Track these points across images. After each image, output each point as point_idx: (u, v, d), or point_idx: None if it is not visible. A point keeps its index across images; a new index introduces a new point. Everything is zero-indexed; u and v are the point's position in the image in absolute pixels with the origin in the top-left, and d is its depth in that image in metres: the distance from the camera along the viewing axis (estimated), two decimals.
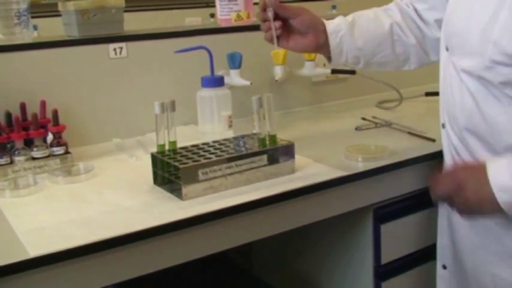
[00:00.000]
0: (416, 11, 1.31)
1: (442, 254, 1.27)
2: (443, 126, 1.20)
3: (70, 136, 1.37)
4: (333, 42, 1.25)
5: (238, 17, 1.64)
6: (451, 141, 1.17)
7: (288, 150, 1.21)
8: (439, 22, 1.27)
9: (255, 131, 1.24)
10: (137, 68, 1.55)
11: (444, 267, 1.26)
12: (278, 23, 1.21)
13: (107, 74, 1.52)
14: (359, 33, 1.26)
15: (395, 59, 1.31)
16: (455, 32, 1.11)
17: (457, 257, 1.22)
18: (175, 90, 1.57)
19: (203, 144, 1.24)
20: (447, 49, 1.15)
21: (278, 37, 1.22)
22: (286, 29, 1.23)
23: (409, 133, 1.47)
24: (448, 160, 1.20)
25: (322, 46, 1.26)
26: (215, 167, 1.12)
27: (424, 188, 1.33)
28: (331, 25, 1.25)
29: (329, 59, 1.30)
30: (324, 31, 1.25)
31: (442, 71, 1.18)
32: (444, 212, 1.25)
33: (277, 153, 1.20)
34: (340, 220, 1.27)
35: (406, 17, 1.31)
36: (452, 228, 1.22)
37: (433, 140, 1.39)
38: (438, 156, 1.30)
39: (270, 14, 1.20)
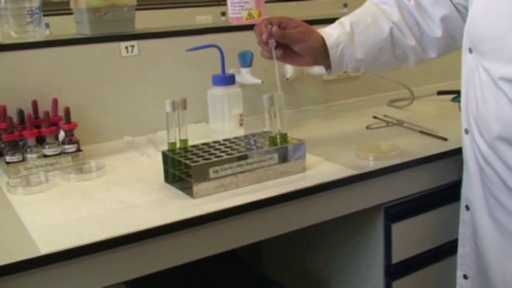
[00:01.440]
0: (419, 5, 1.28)
1: (464, 263, 1.23)
2: (467, 132, 1.15)
3: (81, 134, 1.38)
4: (333, 56, 1.23)
5: (250, 15, 1.64)
6: (479, 149, 1.12)
7: (298, 149, 1.21)
8: (444, 20, 1.26)
9: (265, 130, 1.24)
10: (148, 66, 1.55)
11: (465, 277, 1.23)
12: (280, 52, 1.20)
13: (119, 72, 1.52)
14: (359, 43, 1.24)
15: (394, 61, 1.30)
16: (486, 36, 1.06)
17: (481, 268, 1.18)
18: (187, 88, 1.57)
19: (214, 142, 1.24)
20: (470, 51, 1.12)
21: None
22: (284, 47, 1.21)
23: (421, 132, 1.46)
24: (472, 167, 1.16)
25: (320, 62, 1.26)
26: (226, 165, 1.12)
27: (435, 187, 1.33)
28: (330, 39, 1.23)
29: (327, 69, 1.29)
30: (324, 52, 1.23)
31: (465, 74, 1.14)
32: (467, 220, 1.20)
33: (288, 151, 1.19)
34: (351, 219, 1.27)
35: (406, 13, 1.28)
36: (476, 236, 1.18)
37: (445, 139, 1.38)
38: (450, 155, 1.30)
39: (272, 45, 1.18)
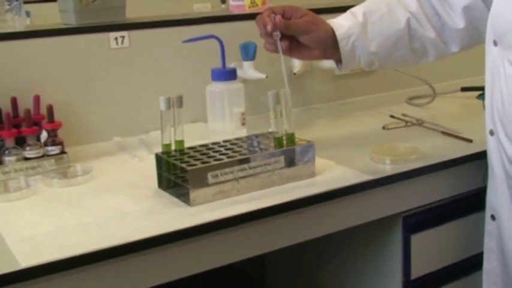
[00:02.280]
0: None
1: (490, 279, 1.22)
2: (492, 133, 1.15)
3: (66, 134, 1.38)
4: (344, 49, 1.23)
5: (253, 3, 1.65)
6: (505, 152, 1.12)
7: (307, 151, 1.21)
8: (466, 10, 1.26)
9: (271, 130, 1.24)
10: (140, 59, 1.56)
11: None
12: (285, 43, 1.20)
13: (107, 65, 1.52)
14: (372, 35, 1.24)
15: (412, 56, 1.30)
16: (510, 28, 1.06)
17: (509, 284, 1.18)
18: (183, 84, 1.58)
19: (213, 144, 1.24)
20: (495, 44, 1.12)
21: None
22: (290, 38, 1.22)
23: (443, 133, 1.46)
24: (498, 173, 1.16)
25: (330, 56, 1.26)
26: (226, 170, 1.12)
27: (458, 194, 1.33)
28: (340, 30, 1.23)
29: (338, 64, 1.29)
30: (333, 44, 1.23)
31: (490, 69, 1.14)
32: (493, 232, 1.20)
33: (296, 154, 1.20)
34: (365, 229, 1.27)
35: (424, 2, 1.28)
36: (504, 249, 1.18)
37: (470, 141, 1.38)
38: (475, 159, 1.30)
39: (277, 36, 1.19)
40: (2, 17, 1.44)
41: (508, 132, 1.10)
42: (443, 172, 1.29)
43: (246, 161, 1.15)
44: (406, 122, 1.57)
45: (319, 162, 1.24)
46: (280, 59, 1.20)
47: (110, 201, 1.14)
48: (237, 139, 1.27)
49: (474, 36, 1.29)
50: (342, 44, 1.23)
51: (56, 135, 1.33)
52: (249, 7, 1.65)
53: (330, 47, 1.23)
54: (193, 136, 1.33)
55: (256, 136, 1.28)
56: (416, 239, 1.30)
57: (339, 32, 1.23)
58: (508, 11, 1.07)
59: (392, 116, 1.62)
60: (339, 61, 1.27)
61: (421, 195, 1.29)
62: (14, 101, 1.38)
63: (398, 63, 1.33)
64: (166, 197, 1.15)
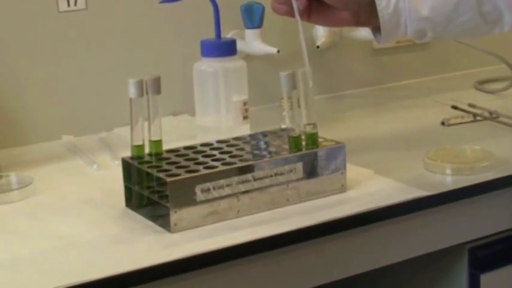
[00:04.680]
0: None
1: None
2: None
3: None
4: (383, 12, 1.24)
5: None
6: None
7: (335, 156, 1.21)
8: None
9: (284, 126, 1.24)
10: (101, 27, 1.57)
11: None
12: (303, 3, 1.23)
13: (55, 36, 1.53)
14: None
15: (480, 23, 1.30)
16: None
17: None
18: (161, 61, 1.59)
19: (203, 145, 1.24)
20: None
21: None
22: None
23: None
24: None
25: (364, 21, 1.28)
26: (222, 182, 1.12)
27: None
28: None
29: (376, 34, 1.30)
30: (370, 3, 1.24)
31: None
32: None
33: (319, 160, 1.19)
34: (417, 265, 1.28)
35: None
36: None
37: None
38: None
39: None
40: None
41: None
42: None
43: (249, 169, 1.14)
44: (475, 115, 1.57)
45: (352, 171, 1.24)
46: (298, 26, 1.21)
47: (57, 225, 1.14)
48: (236, 139, 1.27)
49: None
50: (380, 7, 1.24)
51: None
52: None
53: (365, 8, 1.25)
54: (176, 134, 1.33)
55: (264, 135, 1.29)
56: (487, 280, 1.30)
57: None
58: None
59: (454, 107, 1.62)
60: (377, 30, 1.28)
61: (494, 219, 1.30)
62: None
63: (460, 34, 1.34)
64: (137, 219, 1.15)
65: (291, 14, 1.22)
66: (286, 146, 1.21)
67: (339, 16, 1.26)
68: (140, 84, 1.16)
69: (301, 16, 1.23)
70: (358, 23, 1.28)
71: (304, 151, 1.19)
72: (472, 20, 1.28)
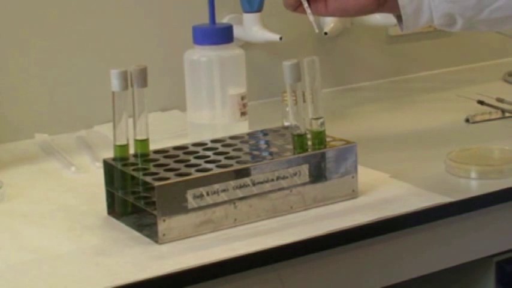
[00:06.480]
0: None
1: None
2: None
3: None
4: None
5: None
6: None
7: (345, 157, 1.20)
8: None
9: (287, 123, 1.24)
10: (79, 8, 1.56)
11: None
12: None
13: (26, 17, 1.52)
14: None
15: None
16: None
17: None
18: (148, 49, 1.59)
19: (196, 145, 1.23)
20: None
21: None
22: None
23: None
24: None
25: (383, 6, 1.27)
26: (216, 186, 1.10)
27: None
28: None
29: (399, 20, 1.30)
30: None
31: None
32: None
33: (327, 162, 1.18)
34: (438, 281, 1.29)
35: None
36: None
37: None
38: None
39: None
40: None
41: None
42: None
43: (247, 172, 1.13)
44: (503, 111, 1.57)
45: (365, 174, 1.24)
46: (305, 9, 1.21)
47: (31, 235, 1.13)
48: (233, 138, 1.26)
49: None
50: None
51: None
52: None
53: None
54: (165, 133, 1.35)
55: (264, 133, 1.28)
56: None
57: None
58: None
59: (480, 102, 1.61)
60: (398, 16, 1.28)
61: None
62: None
63: (495, 23, 1.30)
64: (121, 229, 1.14)
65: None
66: (290, 146, 1.20)
67: (358, 1, 1.24)
68: (124, 76, 1.14)
69: (318, 6, 1.23)
70: (378, 8, 1.26)
71: (310, 152, 1.18)
72: (508, 6, 1.26)
